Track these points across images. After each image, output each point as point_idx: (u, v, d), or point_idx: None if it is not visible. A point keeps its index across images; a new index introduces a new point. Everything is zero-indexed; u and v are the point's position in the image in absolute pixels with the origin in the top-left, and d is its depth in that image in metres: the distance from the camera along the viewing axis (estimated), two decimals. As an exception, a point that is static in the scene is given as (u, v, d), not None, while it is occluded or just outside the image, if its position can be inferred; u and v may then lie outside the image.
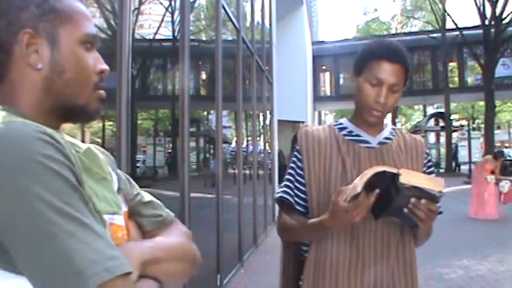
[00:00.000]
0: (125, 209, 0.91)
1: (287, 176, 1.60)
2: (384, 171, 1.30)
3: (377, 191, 1.29)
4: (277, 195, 1.61)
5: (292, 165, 1.60)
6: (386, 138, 1.60)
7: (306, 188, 1.55)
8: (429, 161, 1.66)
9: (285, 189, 1.59)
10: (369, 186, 1.29)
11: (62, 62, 0.82)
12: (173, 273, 0.87)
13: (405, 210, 1.32)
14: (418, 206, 1.30)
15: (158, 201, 1.03)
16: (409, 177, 1.28)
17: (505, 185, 9.49)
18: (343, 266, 1.47)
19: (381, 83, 1.46)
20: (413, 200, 1.30)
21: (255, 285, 5.33)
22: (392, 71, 1.46)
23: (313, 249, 1.52)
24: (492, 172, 9.59)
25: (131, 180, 1.02)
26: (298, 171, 1.58)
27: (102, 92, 0.88)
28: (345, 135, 1.58)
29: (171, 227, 1.00)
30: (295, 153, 1.60)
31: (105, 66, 0.88)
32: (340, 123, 1.64)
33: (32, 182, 0.65)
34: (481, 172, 9.65)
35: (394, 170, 1.31)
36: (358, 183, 1.29)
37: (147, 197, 1.01)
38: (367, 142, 1.56)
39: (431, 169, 1.66)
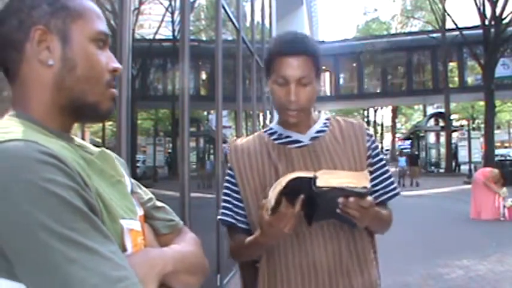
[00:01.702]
0: (140, 212, 0.90)
1: (223, 197, 1.53)
2: (299, 177, 1.21)
3: (302, 196, 1.22)
4: (218, 217, 1.54)
5: (227, 184, 1.53)
6: (319, 131, 1.51)
7: (244, 204, 1.48)
8: (373, 142, 1.54)
9: (223, 210, 1.52)
10: (292, 194, 1.22)
11: (74, 58, 0.82)
12: (188, 284, 0.87)
13: (338, 210, 1.25)
14: (347, 205, 1.23)
15: (169, 207, 1.03)
16: (327, 179, 1.21)
17: (508, 199, 9.48)
18: (294, 268, 1.41)
19: (287, 81, 1.39)
20: (340, 199, 1.22)
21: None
22: (295, 65, 1.38)
23: (264, 264, 1.45)
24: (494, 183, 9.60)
25: (141, 185, 1.02)
26: (234, 188, 1.51)
27: (114, 90, 0.88)
28: (275, 139, 1.51)
29: (184, 233, 1.01)
30: (228, 170, 1.54)
31: (118, 65, 0.88)
32: (271, 128, 1.56)
33: (34, 208, 0.63)
34: (488, 185, 9.59)
35: (310, 174, 1.22)
36: (272, 195, 1.22)
37: (158, 202, 1.01)
38: (298, 141, 1.49)
39: (377, 151, 1.55)
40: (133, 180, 0.98)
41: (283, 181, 1.21)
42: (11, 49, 0.80)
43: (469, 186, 11.48)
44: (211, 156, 5.64)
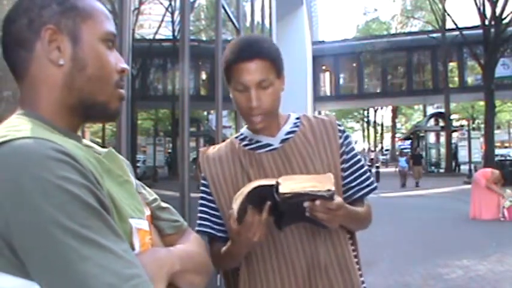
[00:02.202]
0: (147, 212, 0.90)
1: (199, 207, 1.50)
2: (261, 186, 1.21)
3: (268, 203, 1.21)
4: (195, 229, 1.48)
5: (202, 194, 1.51)
6: (289, 132, 1.47)
7: (220, 213, 1.46)
8: (346, 138, 1.49)
9: (200, 221, 1.49)
10: (259, 201, 1.21)
11: (84, 57, 0.82)
12: (194, 284, 0.88)
13: (307, 214, 1.23)
14: (314, 209, 1.20)
15: (173, 208, 1.03)
16: (289, 185, 1.19)
17: (506, 200, 9.48)
18: (273, 272, 1.39)
19: (246, 87, 1.35)
20: (306, 204, 1.20)
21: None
22: (252, 69, 1.34)
23: (244, 264, 1.43)
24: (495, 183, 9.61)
25: (144, 186, 1.02)
26: (209, 197, 1.48)
27: (122, 91, 0.88)
28: (246, 145, 1.48)
29: (188, 234, 1.01)
30: (202, 181, 1.51)
31: (126, 66, 0.88)
32: (241, 134, 1.53)
33: (47, 205, 0.63)
34: (490, 187, 9.58)
35: (272, 182, 1.21)
36: (234, 205, 1.21)
37: (162, 203, 1.02)
38: (268, 145, 1.45)
39: (351, 146, 1.51)
40: (137, 181, 0.98)
41: (245, 190, 1.20)
42: (20, 48, 0.80)
43: (469, 186, 11.48)
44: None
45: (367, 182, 1.50)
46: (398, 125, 47.01)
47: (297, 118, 1.53)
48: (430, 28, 28.29)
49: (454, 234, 8.22)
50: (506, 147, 39.76)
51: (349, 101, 33.36)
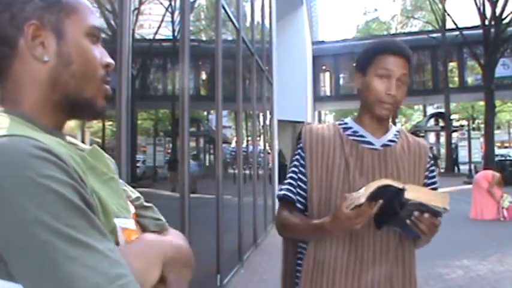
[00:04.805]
0: (133, 210, 0.89)
1: (290, 174, 1.59)
2: (390, 185, 1.31)
3: (380, 201, 1.30)
4: (280, 193, 1.61)
5: (295, 162, 1.59)
6: (391, 140, 1.59)
7: (307, 186, 1.54)
8: (432, 165, 1.65)
9: (288, 186, 1.58)
10: (372, 196, 1.30)
11: (69, 53, 0.80)
12: (183, 275, 0.86)
13: (408, 221, 1.34)
14: (421, 220, 1.32)
15: (155, 208, 1.02)
16: (414, 193, 1.30)
17: (505, 200, 9.49)
18: (340, 267, 1.47)
19: (389, 75, 1.48)
20: (416, 213, 1.32)
21: (255, 285, 5.32)
22: (399, 64, 1.48)
23: (312, 249, 1.52)
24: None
25: (126, 184, 1.01)
26: (301, 168, 1.57)
27: (108, 87, 0.86)
28: (349, 135, 1.57)
29: (171, 230, 1.00)
30: (299, 150, 1.59)
31: (111, 60, 0.86)
32: (346, 123, 1.62)
33: (30, 204, 0.61)
34: (492, 191, 9.58)
35: (399, 185, 1.31)
36: (363, 193, 1.29)
37: (145, 202, 1.01)
38: (370, 143, 1.55)
39: (434, 173, 1.65)
40: (120, 180, 0.98)
41: (375, 184, 1.30)
42: (2, 44, 0.78)
43: (469, 186, 11.48)
44: (212, 156, 5.64)
45: None
46: (398, 125, 47.02)
47: (397, 131, 1.65)
48: (430, 28, 28.28)
49: (454, 234, 8.21)
50: (506, 147, 39.73)
51: (349, 101, 33.28)
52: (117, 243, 0.76)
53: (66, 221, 0.63)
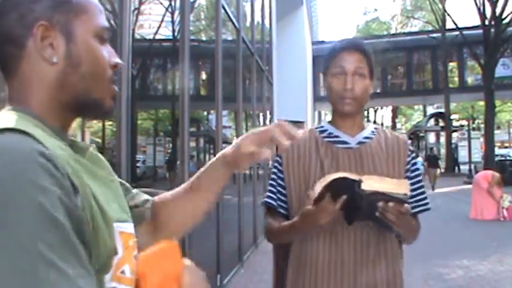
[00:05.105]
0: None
1: (270, 181, 1.65)
2: (345, 178, 1.32)
3: (344, 197, 1.31)
4: (262, 200, 1.66)
5: (274, 170, 1.65)
6: (367, 137, 1.61)
7: (287, 191, 1.59)
8: (413, 158, 1.65)
9: (269, 194, 1.64)
10: (335, 193, 1.32)
11: (78, 55, 0.79)
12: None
13: (377, 213, 1.34)
14: (386, 209, 1.33)
15: (136, 189, 1.04)
16: (371, 183, 1.31)
17: (505, 200, 9.49)
18: (322, 264, 1.50)
19: (344, 71, 1.52)
20: (380, 203, 1.32)
21: (255, 285, 5.32)
22: (351, 59, 1.53)
23: (295, 249, 1.56)
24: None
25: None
26: (279, 174, 1.62)
27: (115, 87, 0.85)
28: (325, 137, 1.61)
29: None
30: (277, 158, 1.64)
31: (119, 60, 0.85)
32: (322, 126, 1.67)
33: (13, 215, 0.58)
34: (492, 192, 9.58)
35: (355, 177, 1.32)
36: (318, 186, 1.32)
37: (132, 188, 1.02)
38: (345, 143, 1.58)
39: (416, 166, 1.65)
40: None
41: (329, 177, 1.32)
42: (10, 44, 0.76)
43: (469, 186, 11.48)
44: (212, 156, 5.64)
45: (423, 202, 1.64)
46: (398, 125, 46.97)
47: (375, 128, 1.67)
48: (430, 28, 28.29)
49: (454, 234, 8.22)
50: (506, 147, 39.71)
51: (349, 101, 33.30)
52: (115, 248, 0.75)
53: (41, 236, 0.59)
